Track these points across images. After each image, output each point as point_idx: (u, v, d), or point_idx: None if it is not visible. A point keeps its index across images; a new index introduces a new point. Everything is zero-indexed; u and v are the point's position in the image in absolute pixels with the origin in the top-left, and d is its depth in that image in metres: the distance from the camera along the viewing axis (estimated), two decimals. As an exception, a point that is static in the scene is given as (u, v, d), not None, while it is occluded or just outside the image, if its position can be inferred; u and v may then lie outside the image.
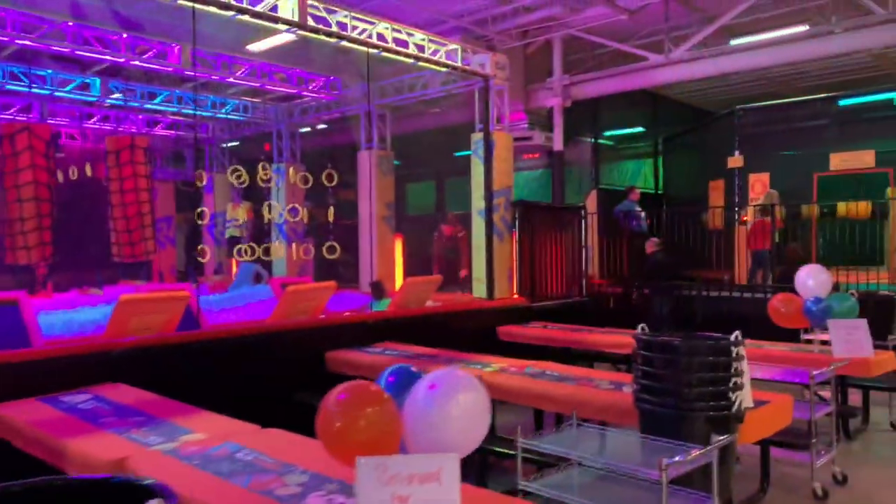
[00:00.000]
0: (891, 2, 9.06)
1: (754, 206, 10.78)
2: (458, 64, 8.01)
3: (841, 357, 5.41)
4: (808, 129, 11.86)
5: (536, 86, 12.92)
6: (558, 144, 12.58)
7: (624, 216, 11.94)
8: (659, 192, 15.71)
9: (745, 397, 3.64)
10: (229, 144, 13.90)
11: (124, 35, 7.76)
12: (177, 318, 5.91)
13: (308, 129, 13.59)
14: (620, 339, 6.80)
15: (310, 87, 10.25)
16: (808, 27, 10.07)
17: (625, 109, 15.32)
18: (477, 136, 8.50)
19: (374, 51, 7.15)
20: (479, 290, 8.53)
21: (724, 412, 3.41)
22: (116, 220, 10.73)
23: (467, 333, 7.72)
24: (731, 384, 3.42)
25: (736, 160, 11.80)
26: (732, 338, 3.48)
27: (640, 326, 3.83)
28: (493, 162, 8.42)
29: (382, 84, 10.18)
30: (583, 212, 9.57)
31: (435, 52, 7.84)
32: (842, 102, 14.64)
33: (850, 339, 5.52)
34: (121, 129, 11.56)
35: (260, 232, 12.74)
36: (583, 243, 9.62)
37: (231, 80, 9.31)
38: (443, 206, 16.45)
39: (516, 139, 13.18)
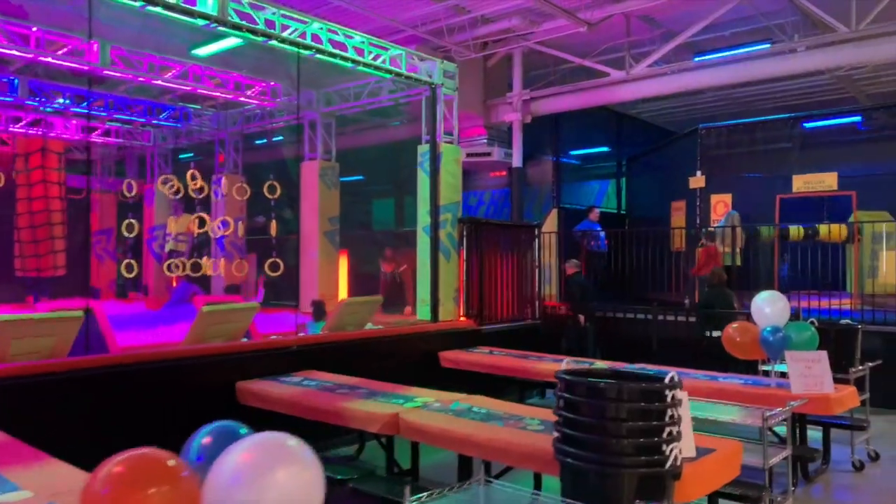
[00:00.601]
0: (853, 20, 8.80)
1: (704, 230, 10.45)
2: (402, 70, 7.50)
3: (799, 394, 4.95)
4: (771, 151, 11.59)
5: (496, 100, 12.49)
6: (518, 161, 12.14)
7: (582, 236, 11.52)
8: (622, 212, 15.36)
9: (684, 447, 3.13)
10: (188, 154, 13.21)
11: (34, 29, 7.12)
12: (68, 342, 5.27)
13: (265, 140, 13.01)
14: (569, 369, 6.30)
15: (247, 94, 9.66)
16: (770, 45, 9.78)
17: (589, 128, 15.01)
18: (423, 148, 7.98)
19: (307, 52, 6.61)
20: (424, 311, 7.96)
21: (656, 468, 2.88)
22: (21, 230, 9.85)
23: (406, 359, 7.16)
24: (665, 435, 2.90)
25: (697, 180, 11.45)
26: (668, 379, 2.95)
27: (564, 361, 3.30)
28: (440, 175, 7.90)
29: (328, 91, 9.64)
30: (536, 230, 9.08)
31: (377, 58, 7.32)
32: (806, 125, 14.52)
33: (809, 374, 5.06)
34: (51, 134, 10.82)
35: (203, 246, 12.04)
36: (536, 263, 9.12)
37: (158, 82, 8.67)
38: (402, 222, 15.91)
39: (475, 155, 12.79)
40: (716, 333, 8.29)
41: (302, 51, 6.54)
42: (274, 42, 6.41)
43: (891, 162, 12.98)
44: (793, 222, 10.38)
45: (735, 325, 5.56)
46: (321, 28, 6.68)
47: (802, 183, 10.53)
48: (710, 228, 10.52)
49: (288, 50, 6.51)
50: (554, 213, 13.39)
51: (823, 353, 5.10)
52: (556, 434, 3.09)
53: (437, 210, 7.85)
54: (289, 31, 6.43)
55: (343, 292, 9.85)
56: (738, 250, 10.20)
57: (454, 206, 8.04)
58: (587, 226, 12.17)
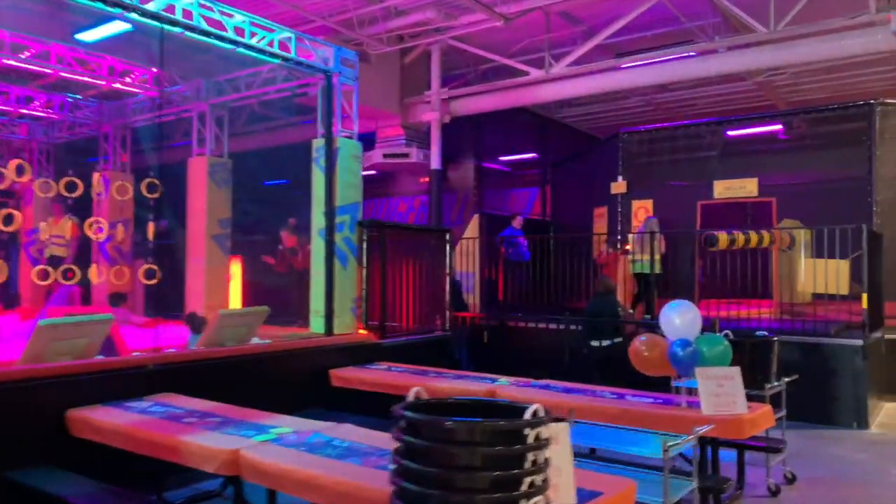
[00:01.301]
0: (772, 21, 8.57)
1: (611, 239, 10.11)
2: (292, 55, 6.76)
3: (709, 416, 4.44)
4: (692, 157, 11.35)
5: (414, 99, 11.87)
6: (436, 163, 11.53)
7: (500, 242, 11.02)
8: (547, 219, 14.95)
9: (563, 493, 2.51)
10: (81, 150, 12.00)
11: None
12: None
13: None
14: (468, 387, 5.66)
15: (125, 80, 8.70)
16: (692, 47, 9.49)
17: (514, 133, 14.57)
18: (319, 143, 7.25)
19: (173, 29, 5.79)
20: (317, 323, 7.20)
21: (514, 531, 2.23)
22: None
23: (291, 379, 6.39)
24: (525, 486, 2.26)
25: (619, 186, 11.10)
26: (528, 415, 2.32)
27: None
28: (336, 173, 7.18)
29: (220, 80, 8.80)
30: (448, 235, 8.45)
31: (264, 41, 6.56)
32: (729, 133, 14.43)
33: (721, 393, 4.57)
34: None
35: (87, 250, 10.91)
36: (448, 270, 8.48)
37: (8, 62, 7.63)
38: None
39: (392, 156, 12.13)
40: (605, 342, 7.86)
41: (167, 26, 5.72)
42: (134, 15, 5.59)
43: (810, 171, 13.00)
44: (714, 229, 10.11)
45: (643, 338, 5.04)
46: (193, 2, 5.88)
47: (724, 189, 10.29)
48: (614, 238, 10.20)
49: (150, 26, 5.69)
50: (476, 219, 12.85)
51: (736, 370, 4.62)
52: (392, 486, 2.42)
53: (333, 212, 7.12)
54: (152, 3, 5.62)
55: (236, 303, 8.98)
56: (657, 258, 9.83)
57: (353, 208, 7.33)
58: (510, 233, 11.68)
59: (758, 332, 6.01)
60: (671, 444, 3.49)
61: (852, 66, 11.72)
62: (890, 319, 9.03)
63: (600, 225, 12.09)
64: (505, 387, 5.65)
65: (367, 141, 12.94)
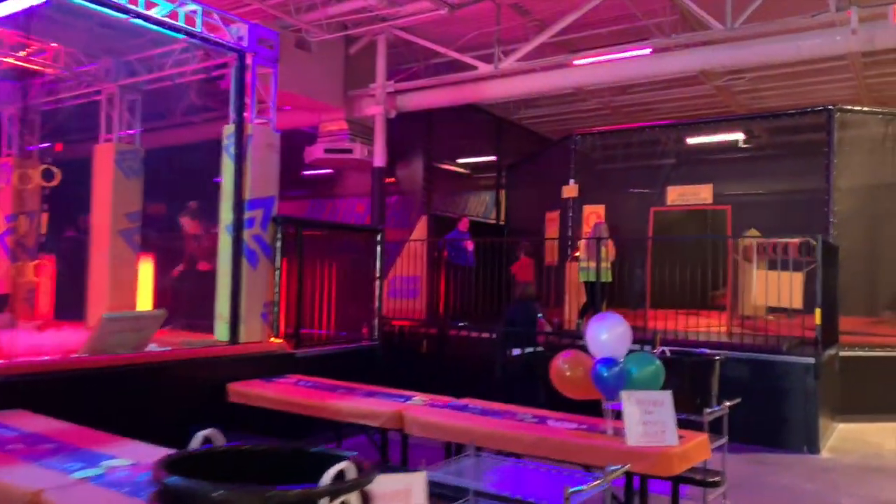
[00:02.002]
0: (728, 18, 8.10)
1: (518, 243, 9.65)
2: (197, 29, 6.04)
3: (634, 447, 3.85)
4: (647, 162, 10.89)
5: (359, 92, 11.19)
6: (380, 160, 10.86)
7: (443, 245, 10.41)
8: (500, 223, 14.38)
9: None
10: None
11: None
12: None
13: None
14: (378, 407, 4.99)
15: (27, 56, 7.89)
16: (647, 43, 8.99)
17: (468, 133, 14.00)
18: (230, 129, 6.53)
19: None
20: (222, 330, 6.47)
21: None
22: None
23: (180, 393, 5.64)
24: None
25: (570, 189, 10.56)
26: (328, 478, 1.65)
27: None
28: (248, 163, 6.47)
29: (129, 60, 8.02)
30: (379, 235, 7.78)
31: (164, 11, 5.84)
32: (689, 140, 14.06)
33: (650, 421, 3.97)
34: None
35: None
36: (378, 274, 7.81)
37: None
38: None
39: (334, 151, 11.43)
40: (516, 352, 7.31)
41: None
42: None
43: (767, 180, 12.65)
44: (667, 235, 9.68)
45: (568, 355, 4.43)
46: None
47: (677, 195, 9.81)
48: (525, 242, 9.72)
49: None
50: (424, 221, 12.23)
51: (667, 394, 4.03)
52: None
53: (242, 205, 6.41)
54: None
55: (147, 305, 8.19)
56: (607, 265, 9.30)
57: (267, 203, 6.63)
58: (455, 236, 11.08)
59: (698, 350, 5.45)
60: (571, 491, 2.86)
61: (812, 73, 11.38)
62: (846, 336, 8.62)
63: (552, 230, 11.53)
64: (416, 407, 4.99)
65: (310, 136, 12.31)
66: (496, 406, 5.06)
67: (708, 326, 8.75)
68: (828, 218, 8.86)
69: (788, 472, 6.22)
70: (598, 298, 9.31)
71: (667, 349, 4.92)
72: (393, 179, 13.16)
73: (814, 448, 6.89)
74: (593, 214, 10.57)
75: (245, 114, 6.57)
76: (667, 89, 12.63)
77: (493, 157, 14.64)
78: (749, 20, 7.97)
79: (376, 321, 7.73)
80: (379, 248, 7.79)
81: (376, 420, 4.90)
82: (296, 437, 6.21)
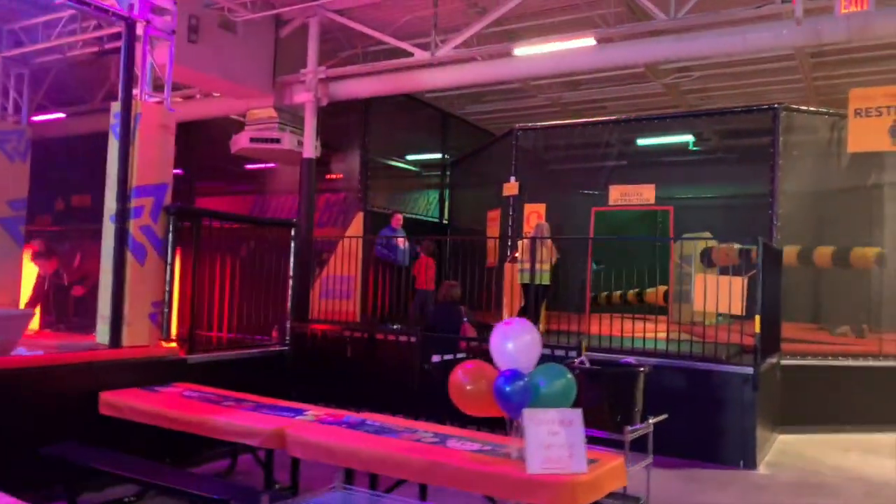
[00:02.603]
0: (672, 8, 7.68)
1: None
2: (74, -9, 5.32)
3: (533, 477, 3.30)
4: (590, 159, 10.46)
5: (289, 78, 10.48)
6: (309, 151, 10.17)
7: (372, 243, 9.82)
8: (444, 221, 13.83)
9: None
10: None
11: None
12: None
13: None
14: (257, 424, 4.35)
15: None
16: (590, 33, 8.52)
17: (412, 127, 13.43)
18: (117, 106, 5.81)
19: None
20: (104, 332, 5.74)
21: None
22: None
23: (42, 402, 4.92)
24: None
25: (511, 187, 10.06)
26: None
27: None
28: (136, 145, 5.76)
29: (13, 28, 7.22)
30: (293, 230, 7.11)
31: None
32: (639, 142, 13.76)
33: (556, 444, 3.43)
34: None
35: None
36: (290, 273, 7.15)
37: None
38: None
39: (260, 140, 10.70)
40: (436, 359, 6.82)
41: None
42: None
43: (714, 183, 12.39)
44: (607, 236, 9.25)
45: (469, 366, 3.87)
46: None
47: (619, 195, 9.38)
48: (425, 240, 9.22)
49: None
50: (360, 217, 11.61)
51: (576, 413, 3.50)
52: None
53: (126, 193, 5.69)
54: None
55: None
56: (546, 267, 8.82)
57: (159, 190, 5.92)
58: (388, 233, 10.50)
59: (623, 360, 4.95)
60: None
61: (760, 73, 11.12)
62: (790, 343, 8.29)
63: (493, 230, 11.03)
64: (304, 424, 4.37)
65: (239, 123, 11.56)
66: (397, 422, 4.48)
67: (648, 333, 8.32)
68: (772, 221, 8.53)
69: (721, 492, 5.78)
70: (536, 302, 8.84)
71: (585, 359, 4.40)
72: (340, 175, 12.52)
73: (750, 463, 6.49)
74: (534, 213, 10.09)
75: (135, 90, 5.85)
76: (615, 86, 12.27)
77: (438, 154, 14.07)
78: (693, 10, 7.57)
79: (288, 324, 7.07)
80: (293, 244, 7.14)
81: (254, 439, 4.26)
82: (183, 454, 5.55)
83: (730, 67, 10.77)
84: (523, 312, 9.19)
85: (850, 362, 8.22)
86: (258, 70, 10.26)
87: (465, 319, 7.22)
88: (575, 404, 3.74)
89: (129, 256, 5.72)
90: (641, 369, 4.46)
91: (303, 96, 10.17)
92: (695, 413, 6.71)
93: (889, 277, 9.63)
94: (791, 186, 8.71)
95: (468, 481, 3.46)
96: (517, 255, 9.47)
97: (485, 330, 8.50)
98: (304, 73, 10.17)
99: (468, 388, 3.77)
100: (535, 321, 9.01)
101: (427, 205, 14.06)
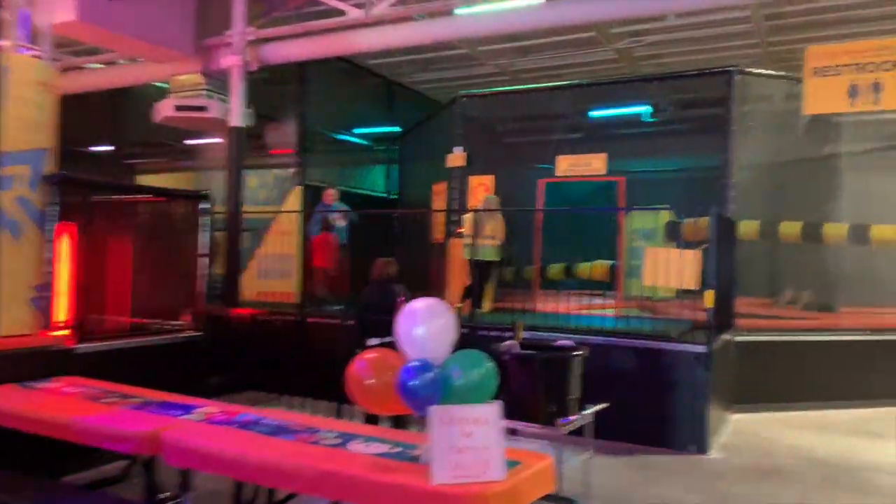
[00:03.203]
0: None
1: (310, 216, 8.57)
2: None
3: (437, 489, 2.75)
4: (538, 127, 9.91)
5: (216, 41, 9.65)
6: (236, 119, 9.39)
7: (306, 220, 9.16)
8: (392, 196, 13.17)
9: None
10: None
11: None
12: None
13: None
14: (131, 426, 3.69)
15: None
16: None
17: (356, 97, 12.67)
18: (-18, 61, 5.01)
19: None
20: (-27, 320, 4.99)
21: None
22: None
23: None
24: None
25: (455, 158, 9.44)
26: None
27: None
28: (9, 104, 4.97)
29: None
30: (204, 203, 6.39)
31: None
32: (591, 114, 13.25)
33: (468, 447, 2.88)
34: None
35: None
36: (204, 250, 6.44)
37: None
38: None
39: (186, 108, 9.87)
40: (373, 341, 6.26)
41: None
42: None
43: (669, 151, 11.97)
44: (557, 208, 8.75)
45: (369, 356, 3.29)
46: None
47: (568, 165, 8.84)
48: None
49: None
50: (298, 191, 10.88)
51: (492, 409, 2.95)
52: None
53: (-3, 158, 4.93)
54: None
55: None
56: (494, 243, 8.29)
57: (35, 157, 5.16)
58: (322, 210, 9.83)
59: (560, 342, 4.41)
60: None
61: (715, 39, 10.65)
62: (745, 319, 7.91)
63: (439, 203, 10.42)
64: (187, 425, 3.74)
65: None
66: (297, 420, 3.88)
67: (597, 310, 7.87)
68: (727, 192, 8.10)
69: (670, 482, 5.34)
70: (481, 279, 8.31)
71: (514, 342, 3.86)
72: (291, 150, 11.74)
73: (702, 447, 6.09)
74: (481, 186, 9.51)
75: (3, 41, 5.06)
76: (567, 53, 11.70)
77: (384, 125, 13.35)
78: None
79: (202, 307, 6.38)
80: (207, 219, 6.43)
81: (125, 444, 3.62)
82: (66, 459, 4.87)
83: (684, 31, 10.28)
84: (469, 291, 8.66)
85: (806, 337, 7.90)
86: (180, 31, 9.41)
87: (402, 299, 6.60)
88: (503, 394, 3.20)
89: (3, 233, 4.97)
90: (578, 353, 3.93)
91: (229, 59, 9.36)
92: (643, 395, 6.28)
93: (847, 251, 9.36)
94: (747, 156, 8.28)
95: (363, 495, 2.89)
96: (461, 230, 8.89)
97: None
98: (231, 35, 9.36)
99: (368, 382, 3.19)
100: (479, 300, 8.50)
101: (374, 179, 13.39)
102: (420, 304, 3.21)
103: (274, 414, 4.03)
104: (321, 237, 8.89)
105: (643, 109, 12.66)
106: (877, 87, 5.75)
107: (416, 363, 3.08)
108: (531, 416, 3.78)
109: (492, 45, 11.33)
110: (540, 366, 3.84)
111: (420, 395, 3.03)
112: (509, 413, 3.50)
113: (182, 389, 4.63)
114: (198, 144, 13.11)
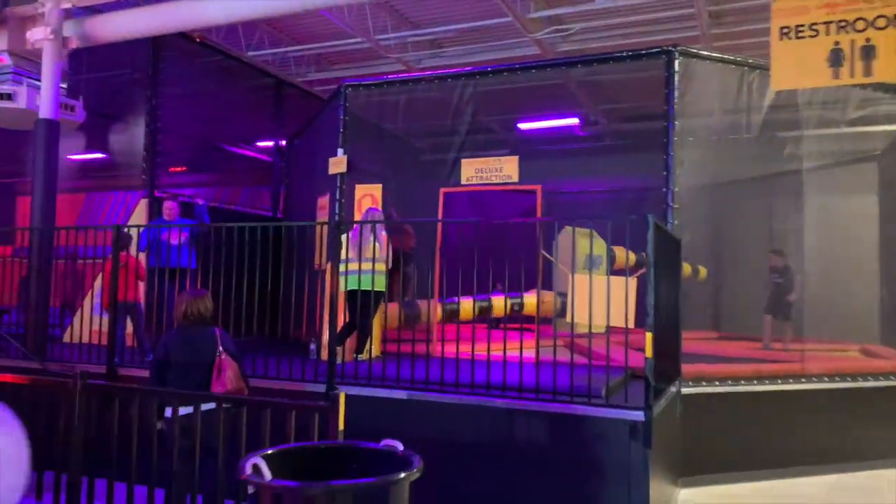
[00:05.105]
0: None
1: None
2: None
3: None
4: (437, 126, 8.13)
5: (26, 9, 7.53)
6: (48, 110, 7.26)
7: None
8: (279, 214, 11.10)
9: None
10: None
11: None
12: None
13: None
14: None
15: None
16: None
17: (241, 102, 10.74)
18: None
19: None
20: None
21: None
22: None
23: None
24: None
25: (338, 163, 7.52)
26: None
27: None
28: None
29: None
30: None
31: None
32: (521, 125, 11.80)
33: None
34: None
35: None
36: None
37: None
38: None
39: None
40: (182, 411, 4.29)
41: None
42: None
43: (600, 167, 10.42)
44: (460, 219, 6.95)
45: None
46: None
47: (473, 171, 7.03)
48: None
49: None
50: (143, 205, 8.76)
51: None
52: None
53: None
54: None
55: None
56: (380, 268, 6.36)
57: None
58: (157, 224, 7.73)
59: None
60: None
61: (650, 30, 9.16)
62: (689, 364, 6.18)
63: (325, 216, 8.45)
64: None
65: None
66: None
67: (511, 350, 6.02)
68: (667, 201, 6.41)
69: None
70: (364, 316, 6.38)
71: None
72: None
73: (642, 551, 4.26)
74: (368, 196, 7.61)
75: None
76: (483, 45, 10.10)
77: (272, 131, 11.34)
78: None
79: None
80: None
81: None
82: None
83: (615, 16, 8.75)
84: (348, 330, 6.69)
85: (767, 386, 6.26)
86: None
87: (221, 350, 4.58)
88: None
89: None
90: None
91: (38, 32, 7.25)
92: (560, 478, 4.44)
93: (801, 276, 7.85)
94: (690, 154, 6.63)
95: None
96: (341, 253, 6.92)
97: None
98: (41, 4, 7.26)
99: None
100: (363, 342, 6.56)
101: (260, 196, 11.35)
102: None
103: None
104: (122, 260, 6.53)
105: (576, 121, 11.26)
106: (868, 53, 4.13)
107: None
108: None
109: (391, 34, 9.62)
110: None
111: None
112: None
113: None
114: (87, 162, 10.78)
